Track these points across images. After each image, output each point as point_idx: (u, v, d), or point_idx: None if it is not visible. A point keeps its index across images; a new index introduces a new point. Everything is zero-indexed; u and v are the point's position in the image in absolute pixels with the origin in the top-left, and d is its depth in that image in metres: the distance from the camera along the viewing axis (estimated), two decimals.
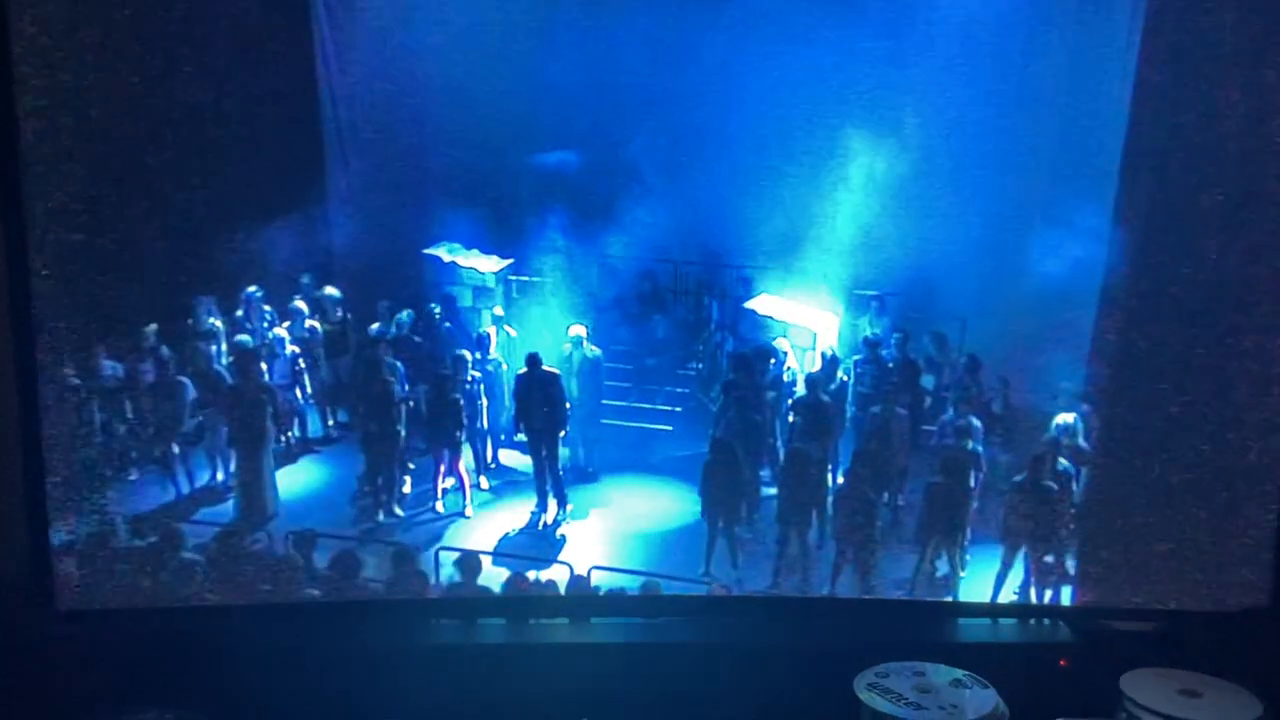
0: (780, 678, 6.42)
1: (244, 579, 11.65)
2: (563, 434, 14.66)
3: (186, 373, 14.74)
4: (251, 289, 16.03)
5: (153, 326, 14.92)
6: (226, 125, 15.71)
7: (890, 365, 14.83)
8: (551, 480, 14.60)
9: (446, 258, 16.98)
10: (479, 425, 15.29)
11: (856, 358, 15.08)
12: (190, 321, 15.68)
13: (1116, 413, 13.33)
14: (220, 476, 14.89)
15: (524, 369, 14.60)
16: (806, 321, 15.61)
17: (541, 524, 14.31)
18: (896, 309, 15.92)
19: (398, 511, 14.51)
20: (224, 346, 15.77)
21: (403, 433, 14.79)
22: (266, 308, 16.23)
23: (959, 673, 5.88)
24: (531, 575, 12.62)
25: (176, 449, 14.65)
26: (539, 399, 14.41)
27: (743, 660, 6.85)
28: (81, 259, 13.39)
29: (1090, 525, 12.86)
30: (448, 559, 12.96)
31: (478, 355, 15.29)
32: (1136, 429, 12.97)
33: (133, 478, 14.62)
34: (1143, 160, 13.78)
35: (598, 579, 12.47)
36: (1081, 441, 13.43)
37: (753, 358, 14.83)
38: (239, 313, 16.08)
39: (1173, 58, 12.81)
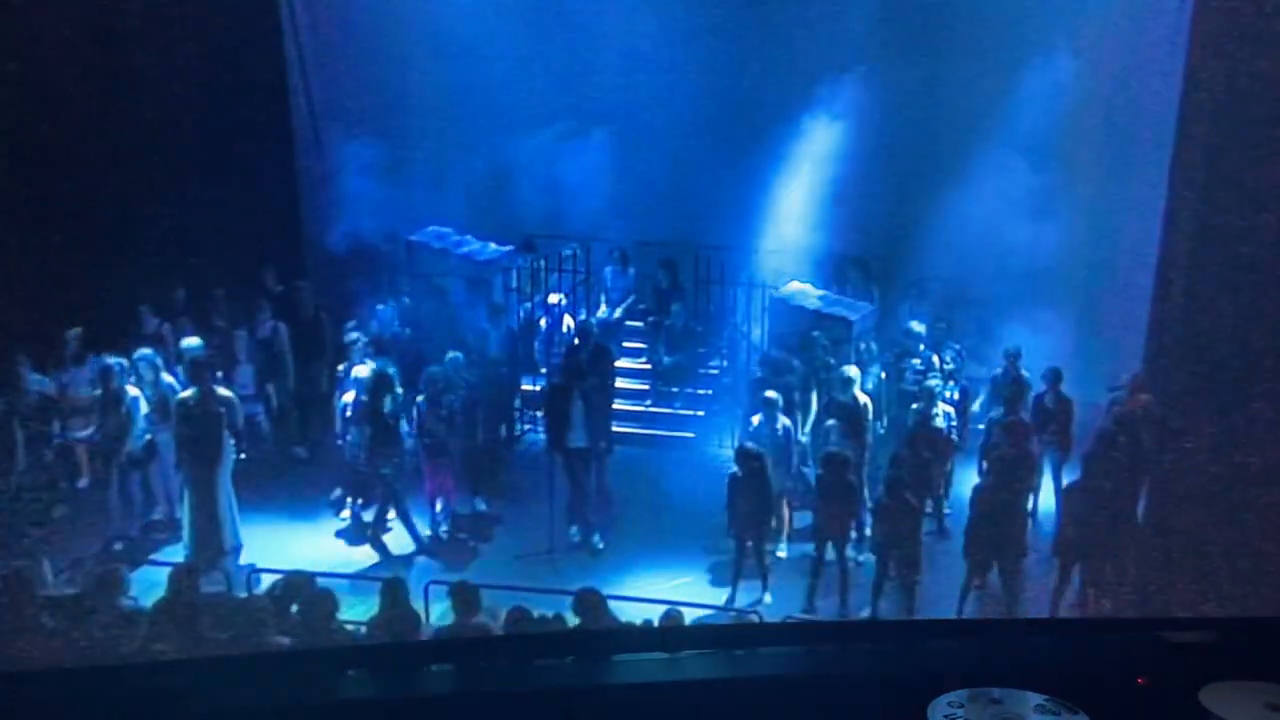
0: (830, 715, 6.70)
1: (198, 627, 11.14)
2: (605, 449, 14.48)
3: (133, 383, 14.19)
4: (209, 286, 15.90)
5: (76, 331, 14.69)
6: (175, 97, 15.71)
7: (933, 358, 14.88)
8: (594, 500, 14.36)
9: (436, 245, 16.89)
10: (475, 437, 15.09)
11: (896, 351, 15.14)
12: (136, 326, 15.45)
13: (1179, 402, 13.64)
14: (172, 506, 14.38)
15: (559, 381, 14.38)
16: (840, 311, 15.65)
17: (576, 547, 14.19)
18: (938, 295, 16.16)
19: (384, 538, 14.30)
20: (172, 351, 15.23)
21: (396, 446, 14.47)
22: (233, 303, 15.99)
23: (1039, 698, 6.19)
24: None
25: (115, 474, 14.12)
26: (580, 411, 14.17)
27: (782, 697, 7.15)
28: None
29: (1153, 528, 13.12)
30: (440, 593, 12.49)
31: (474, 356, 15.08)
32: (1201, 419, 13.27)
33: (61, 512, 14.13)
34: (1197, 129, 14.15)
35: (612, 609, 11.99)
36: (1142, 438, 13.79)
37: (782, 354, 14.84)
38: (202, 310, 15.84)
39: (1228, 21, 13.22)
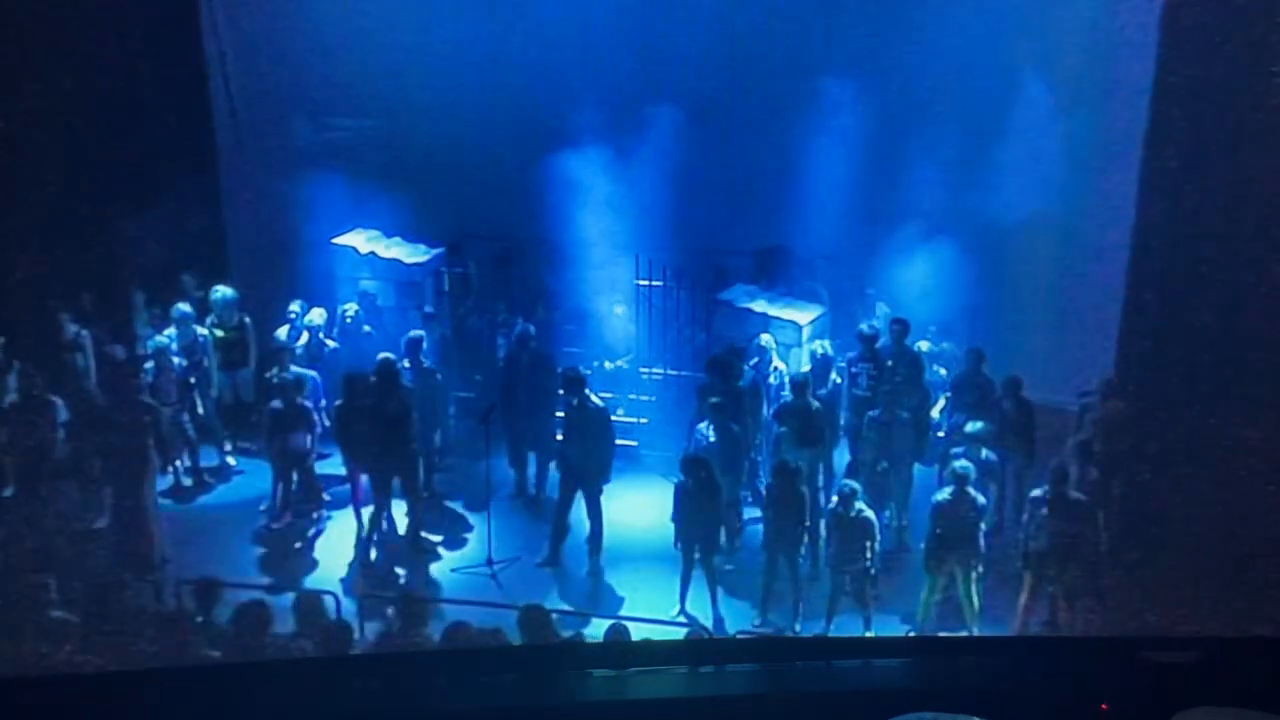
0: None
1: (127, 640, 11.11)
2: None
3: (56, 391, 14.07)
4: (129, 290, 15.66)
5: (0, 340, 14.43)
6: (85, 86, 15.31)
7: (889, 362, 14.53)
8: (591, 525, 14.10)
9: (364, 248, 16.56)
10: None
11: (850, 355, 14.82)
12: (54, 332, 15.11)
13: (1154, 410, 13.36)
14: (96, 516, 14.21)
15: (574, 400, 14.04)
16: (789, 314, 15.40)
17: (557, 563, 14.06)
18: (894, 296, 15.78)
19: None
20: (92, 361, 15.16)
21: (314, 456, 14.63)
22: (154, 310, 15.74)
23: None
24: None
25: (44, 483, 14.02)
26: (576, 435, 14.02)
27: (728, 715, 6.91)
28: None
29: (1126, 543, 12.85)
30: (374, 606, 12.57)
31: (406, 363, 14.76)
32: (1178, 427, 13.04)
33: None
34: (1170, 119, 13.92)
35: (556, 625, 12.01)
36: (1115, 446, 13.46)
37: (729, 358, 14.52)
38: (123, 316, 15.62)
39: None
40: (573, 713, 7.19)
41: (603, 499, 14.14)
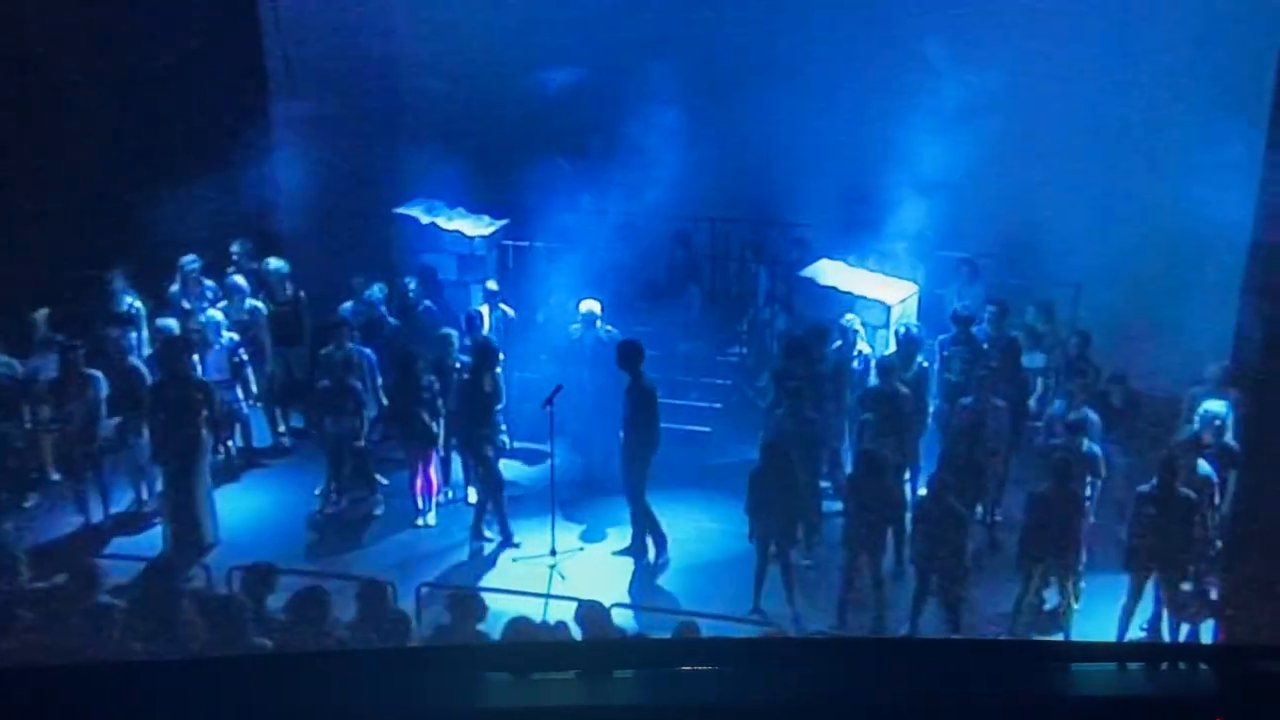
0: None
1: (177, 626, 11.08)
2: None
3: (99, 365, 14.09)
4: (185, 259, 15.46)
5: (43, 312, 14.55)
6: (141, 52, 15.43)
7: (984, 346, 14.17)
8: (644, 515, 13.82)
9: (424, 219, 16.39)
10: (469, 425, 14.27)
11: (942, 337, 14.47)
12: (104, 303, 15.17)
13: (1272, 401, 12.97)
14: (145, 497, 14.42)
15: (627, 377, 13.63)
16: (878, 293, 14.92)
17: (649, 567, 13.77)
18: (991, 275, 15.40)
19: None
20: (145, 333, 15.18)
21: (366, 438, 14.50)
22: (208, 281, 15.63)
23: None
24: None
25: (90, 462, 14.11)
26: (630, 415, 13.65)
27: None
28: None
29: (1239, 543, 12.38)
30: (433, 597, 12.45)
31: (467, 340, 14.60)
32: None
33: (33, 502, 14.46)
34: None
35: (620, 619, 12.00)
36: (1230, 439, 12.72)
37: (810, 340, 14.16)
38: (174, 289, 15.49)
39: None
40: (639, 713, 6.82)
41: (670, 489, 13.89)
